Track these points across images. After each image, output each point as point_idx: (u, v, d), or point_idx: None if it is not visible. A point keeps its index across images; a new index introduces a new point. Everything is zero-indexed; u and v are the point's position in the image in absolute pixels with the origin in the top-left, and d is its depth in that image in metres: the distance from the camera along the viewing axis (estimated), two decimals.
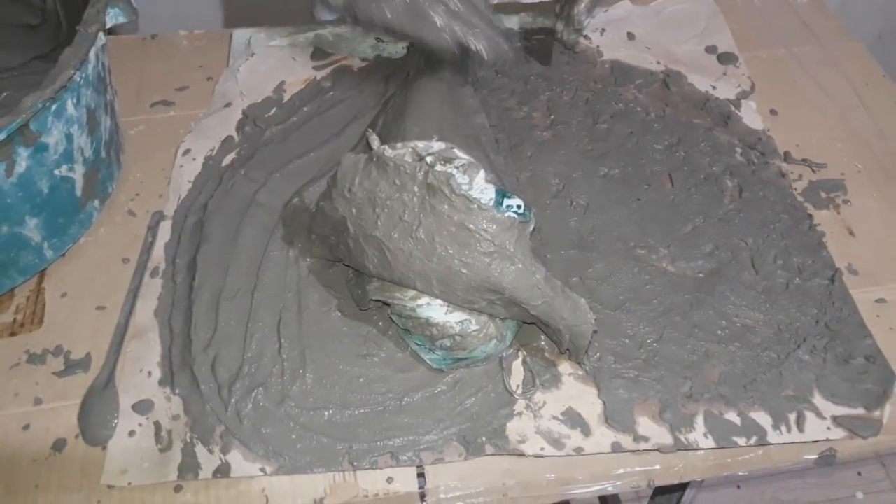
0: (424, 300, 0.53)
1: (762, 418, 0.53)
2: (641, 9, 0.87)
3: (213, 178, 0.69)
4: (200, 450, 0.52)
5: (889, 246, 0.65)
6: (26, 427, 0.54)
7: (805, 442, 0.53)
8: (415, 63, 0.75)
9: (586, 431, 0.53)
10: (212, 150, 0.71)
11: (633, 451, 0.53)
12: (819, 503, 1.28)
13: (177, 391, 0.55)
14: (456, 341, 0.53)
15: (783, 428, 0.53)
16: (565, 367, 0.56)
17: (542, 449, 0.52)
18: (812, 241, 0.64)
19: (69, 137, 0.58)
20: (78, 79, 0.57)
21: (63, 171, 0.59)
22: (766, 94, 0.77)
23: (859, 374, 0.56)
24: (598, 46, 0.82)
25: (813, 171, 0.70)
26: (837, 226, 0.66)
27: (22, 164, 0.54)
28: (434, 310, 0.53)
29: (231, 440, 0.52)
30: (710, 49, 0.82)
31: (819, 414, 0.54)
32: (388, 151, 0.54)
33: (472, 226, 0.50)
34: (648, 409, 0.54)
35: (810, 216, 0.66)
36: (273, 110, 0.75)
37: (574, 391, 0.55)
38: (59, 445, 0.53)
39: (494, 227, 0.51)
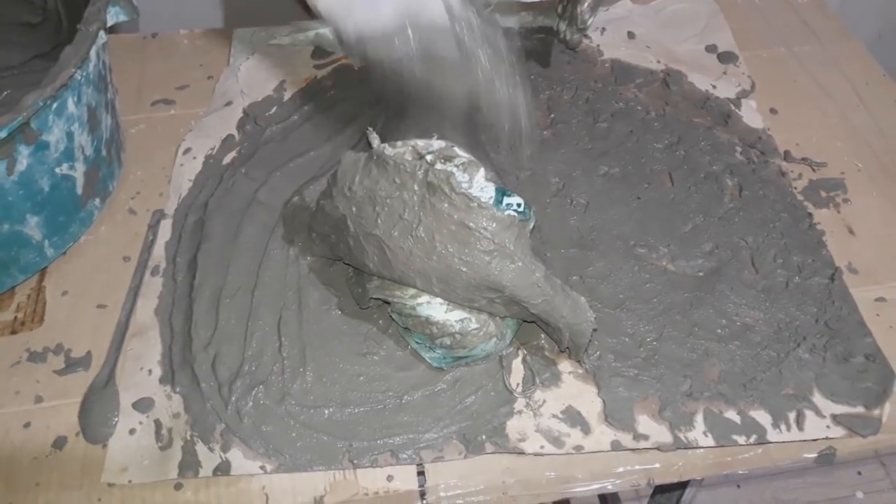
0: (424, 298, 0.53)
1: (762, 417, 0.54)
2: (642, 8, 0.87)
3: (214, 176, 0.69)
4: (201, 448, 0.52)
5: (889, 245, 0.65)
6: (27, 425, 0.54)
7: (805, 440, 0.53)
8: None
9: (586, 430, 0.53)
10: (212, 149, 0.71)
11: (632, 450, 0.53)
12: (819, 503, 1.28)
13: (177, 389, 0.55)
14: (456, 340, 0.53)
15: (783, 426, 0.53)
16: (565, 366, 0.56)
17: (541, 447, 0.52)
18: (812, 240, 0.64)
19: (70, 136, 0.58)
20: (79, 77, 0.57)
21: (64, 169, 0.59)
22: (766, 94, 0.77)
23: (859, 372, 0.56)
24: (598, 45, 0.82)
25: (813, 170, 0.70)
26: (837, 225, 0.66)
27: (23, 163, 0.54)
28: (434, 308, 0.53)
29: (231, 438, 0.52)
30: (711, 48, 0.82)
31: (819, 412, 0.54)
32: (389, 150, 0.54)
33: (471, 224, 0.50)
34: (648, 408, 0.54)
35: (810, 215, 0.66)
36: (273, 109, 0.75)
37: (574, 389, 0.55)
38: (59, 443, 0.53)
39: (494, 225, 0.51)
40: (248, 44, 0.82)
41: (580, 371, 0.56)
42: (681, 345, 0.57)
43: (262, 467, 0.51)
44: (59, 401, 0.55)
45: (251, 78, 0.78)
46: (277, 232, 0.63)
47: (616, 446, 0.52)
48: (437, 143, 0.55)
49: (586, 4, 0.75)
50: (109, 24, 0.62)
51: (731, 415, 0.54)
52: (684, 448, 0.52)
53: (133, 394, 0.55)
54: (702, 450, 0.53)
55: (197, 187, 0.68)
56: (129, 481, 0.51)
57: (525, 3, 0.85)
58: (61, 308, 0.61)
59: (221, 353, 0.56)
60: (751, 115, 0.74)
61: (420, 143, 0.55)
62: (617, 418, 0.53)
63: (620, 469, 0.52)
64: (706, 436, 0.53)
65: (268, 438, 0.52)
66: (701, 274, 0.62)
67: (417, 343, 0.56)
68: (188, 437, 0.53)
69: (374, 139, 0.57)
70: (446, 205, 0.51)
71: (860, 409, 0.54)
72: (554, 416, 0.54)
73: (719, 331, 0.58)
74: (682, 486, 0.84)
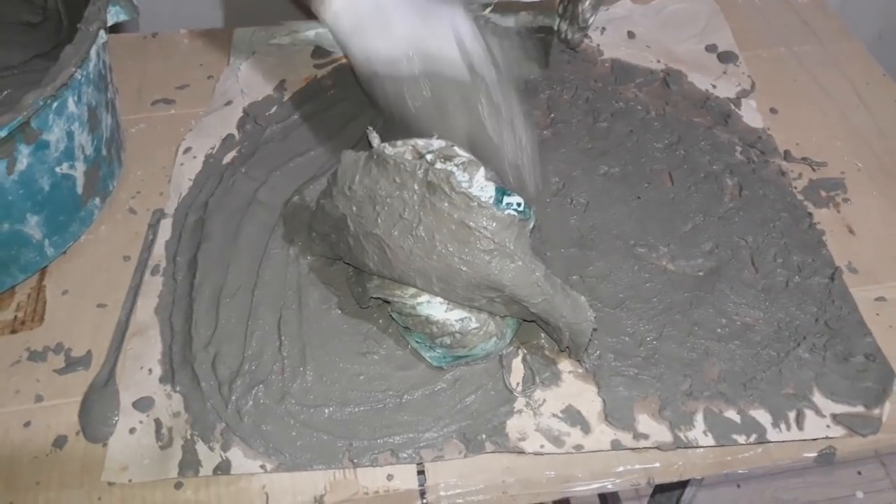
0: (424, 298, 0.53)
1: (762, 416, 0.54)
2: (642, 7, 0.87)
3: (214, 176, 0.69)
4: (201, 447, 0.52)
5: (889, 244, 0.65)
6: (27, 424, 0.54)
7: (805, 440, 0.53)
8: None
9: (586, 429, 0.53)
10: (212, 149, 0.71)
11: (632, 449, 0.53)
12: (819, 502, 1.28)
13: (177, 388, 0.55)
14: (456, 339, 0.53)
15: (783, 426, 0.53)
16: (565, 365, 0.56)
17: (541, 446, 0.52)
18: (812, 240, 0.64)
19: (70, 135, 0.58)
20: (79, 76, 0.57)
21: (64, 168, 0.59)
22: (766, 93, 0.77)
23: (859, 372, 0.56)
24: (598, 45, 0.82)
25: (813, 169, 0.70)
26: (837, 224, 0.66)
27: (23, 162, 0.54)
28: (434, 307, 0.53)
29: (231, 437, 0.52)
30: (711, 48, 0.82)
31: (819, 412, 0.54)
32: (389, 149, 0.54)
33: (472, 223, 0.50)
34: (648, 407, 0.54)
35: (810, 215, 0.66)
36: (274, 108, 0.75)
37: (574, 389, 0.55)
38: (59, 442, 0.53)
39: (494, 224, 0.51)
40: (249, 43, 0.82)
41: (580, 370, 0.56)
42: (681, 344, 0.57)
43: (262, 466, 0.51)
44: (60, 400, 0.55)
45: (251, 77, 0.78)
46: (277, 231, 0.63)
47: (616, 445, 0.52)
48: (437, 143, 0.55)
49: (587, 3, 0.75)
50: (110, 23, 0.62)
51: (731, 414, 0.54)
52: (684, 447, 0.52)
53: (133, 393, 0.55)
54: (702, 449, 0.53)
55: (197, 187, 0.68)
56: (130, 480, 0.51)
57: (525, 2, 0.85)
58: (61, 307, 0.61)
59: (221, 353, 0.56)
60: (751, 114, 0.74)
61: (420, 142, 0.55)
62: (617, 417, 0.53)
63: (620, 468, 0.52)
64: (706, 435, 0.53)
65: (268, 437, 0.52)
66: (701, 273, 0.62)
67: (417, 342, 0.56)
68: (188, 437, 0.53)
69: (374, 138, 0.57)
70: (446, 204, 0.51)
71: (860, 409, 0.54)
72: (554, 415, 0.54)
73: (719, 330, 0.58)
74: (682, 485, 0.84)
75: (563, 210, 0.66)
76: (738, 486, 1.29)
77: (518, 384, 0.55)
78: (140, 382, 0.56)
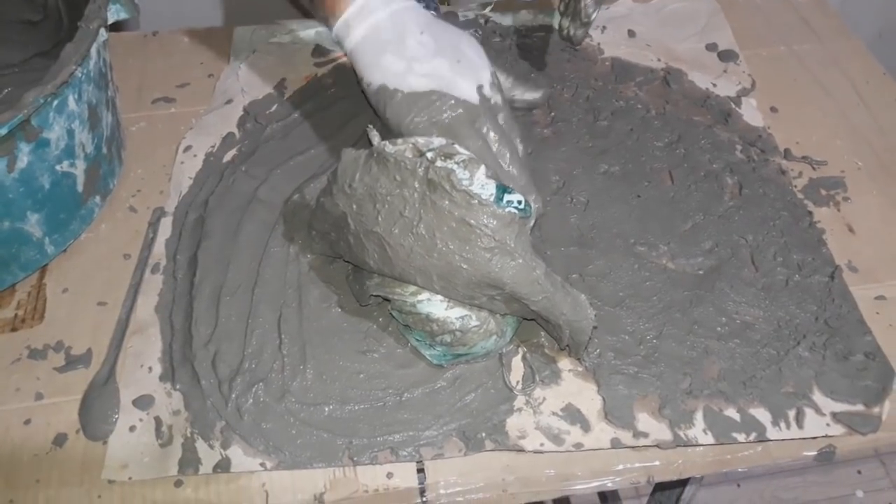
0: (425, 296, 0.53)
1: (761, 415, 0.54)
2: (642, 6, 0.87)
3: (214, 174, 0.69)
4: (201, 445, 0.52)
5: (889, 243, 0.65)
6: (27, 422, 0.54)
7: (804, 438, 0.53)
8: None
9: (586, 427, 0.53)
10: (213, 147, 0.71)
11: (632, 447, 0.53)
12: (819, 501, 1.28)
13: (177, 387, 0.55)
14: (456, 337, 0.53)
15: (782, 424, 0.53)
16: (565, 364, 0.56)
17: (541, 445, 0.52)
18: (812, 239, 0.64)
19: (70, 133, 0.58)
20: (79, 74, 0.57)
21: (64, 166, 0.59)
22: (766, 92, 0.77)
23: (859, 370, 0.56)
24: (598, 44, 0.82)
25: (813, 168, 0.71)
26: (837, 223, 0.66)
27: (23, 160, 0.54)
28: (434, 305, 0.53)
29: (231, 435, 0.53)
30: (711, 46, 0.82)
31: (818, 410, 0.54)
32: (389, 147, 0.54)
33: (472, 221, 0.50)
34: (648, 406, 0.54)
35: (810, 213, 0.66)
36: (274, 107, 0.75)
37: (574, 387, 0.55)
38: (59, 440, 0.53)
39: (495, 222, 0.51)
40: (249, 42, 0.82)
41: (580, 369, 0.56)
42: (681, 343, 0.57)
43: (262, 464, 0.52)
44: (60, 398, 0.55)
45: (252, 76, 0.78)
46: (278, 230, 0.63)
47: (616, 444, 0.52)
48: (437, 141, 0.55)
49: None
50: (110, 21, 0.62)
51: (731, 413, 0.54)
52: (684, 446, 0.53)
53: (133, 391, 0.55)
54: (701, 447, 0.53)
55: (197, 185, 0.68)
56: (130, 478, 0.51)
57: (525, 1, 0.85)
58: (62, 305, 0.61)
59: (222, 351, 0.56)
60: (751, 113, 0.74)
61: (420, 140, 0.55)
62: (617, 416, 0.53)
63: (620, 467, 0.52)
64: (706, 433, 0.53)
65: (268, 436, 0.52)
66: (701, 272, 0.62)
67: (417, 340, 0.56)
68: (188, 435, 0.53)
69: (375, 136, 0.57)
70: (447, 202, 0.51)
71: (860, 407, 0.54)
72: (554, 413, 0.54)
73: (719, 329, 0.58)
74: (682, 484, 0.84)
75: (564, 208, 0.66)
76: (738, 485, 1.29)
77: (518, 382, 0.55)
78: (140, 380, 0.56)
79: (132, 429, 0.53)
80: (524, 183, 0.59)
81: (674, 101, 0.75)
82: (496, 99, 0.60)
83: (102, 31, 0.61)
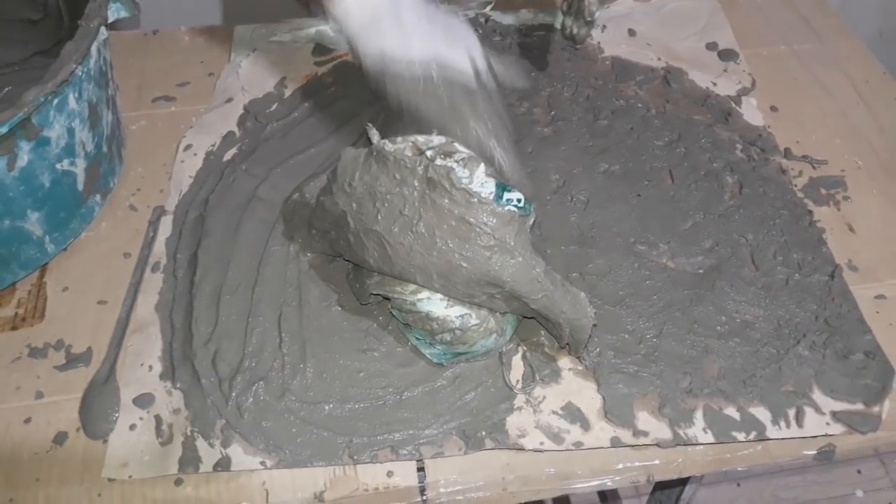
0: (425, 294, 0.53)
1: (761, 413, 0.54)
2: (642, 5, 0.87)
3: (214, 173, 0.69)
4: (201, 443, 0.52)
5: (889, 242, 0.65)
6: (27, 420, 0.54)
7: (804, 437, 0.53)
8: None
9: (586, 426, 0.53)
10: (213, 146, 0.71)
11: (632, 446, 0.53)
12: (819, 501, 1.28)
13: (178, 385, 0.55)
14: (456, 335, 0.53)
15: (782, 423, 0.53)
16: (565, 362, 0.56)
17: (541, 443, 0.52)
18: (812, 238, 0.64)
19: (71, 132, 0.58)
20: (79, 73, 0.57)
21: (65, 165, 0.59)
22: (766, 91, 0.77)
23: (858, 369, 0.56)
24: (598, 43, 0.82)
25: (813, 167, 0.71)
26: (837, 222, 0.66)
27: (24, 158, 0.54)
28: (434, 304, 0.53)
29: (231, 434, 0.53)
30: (711, 46, 0.82)
31: (818, 409, 0.54)
32: (388, 146, 0.54)
33: (472, 220, 0.50)
34: (648, 404, 0.54)
35: (810, 212, 0.66)
36: (274, 106, 0.75)
37: (574, 386, 0.55)
38: (60, 439, 0.53)
39: (494, 220, 0.51)
40: (249, 41, 0.82)
41: (580, 367, 0.56)
42: (681, 341, 0.57)
43: (262, 463, 0.52)
44: (60, 396, 0.55)
45: (252, 75, 0.78)
46: (278, 228, 0.63)
47: (616, 443, 0.52)
48: (437, 139, 0.55)
49: None
50: (110, 20, 0.62)
51: (731, 411, 0.54)
52: (684, 445, 0.53)
53: (133, 389, 0.55)
54: (701, 446, 0.53)
55: (197, 184, 0.68)
56: (130, 477, 0.51)
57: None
58: (62, 304, 0.61)
59: (222, 350, 0.56)
60: (751, 112, 0.74)
61: (420, 138, 0.55)
62: (616, 415, 0.53)
63: (620, 465, 0.52)
64: (706, 432, 0.53)
65: (268, 434, 0.52)
66: (701, 271, 0.62)
67: (417, 339, 0.56)
68: (188, 433, 0.53)
69: (374, 135, 0.57)
70: (446, 200, 0.51)
71: (860, 406, 0.54)
72: (553, 412, 0.54)
73: (719, 328, 0.58)
74: (682, 483, 0.84)
75: (564, 207, 0.66)
76: (738, 484, 1.29)
77: (518, 381, 0.55)
78: (140, 379, 0.56)
79: (132, 427, 0.53)
80: (517, 166, 0.59)
81: (674, 101, 0.75)
82: (488, 78, 0.61)
83: (103, 29, 0.61)
